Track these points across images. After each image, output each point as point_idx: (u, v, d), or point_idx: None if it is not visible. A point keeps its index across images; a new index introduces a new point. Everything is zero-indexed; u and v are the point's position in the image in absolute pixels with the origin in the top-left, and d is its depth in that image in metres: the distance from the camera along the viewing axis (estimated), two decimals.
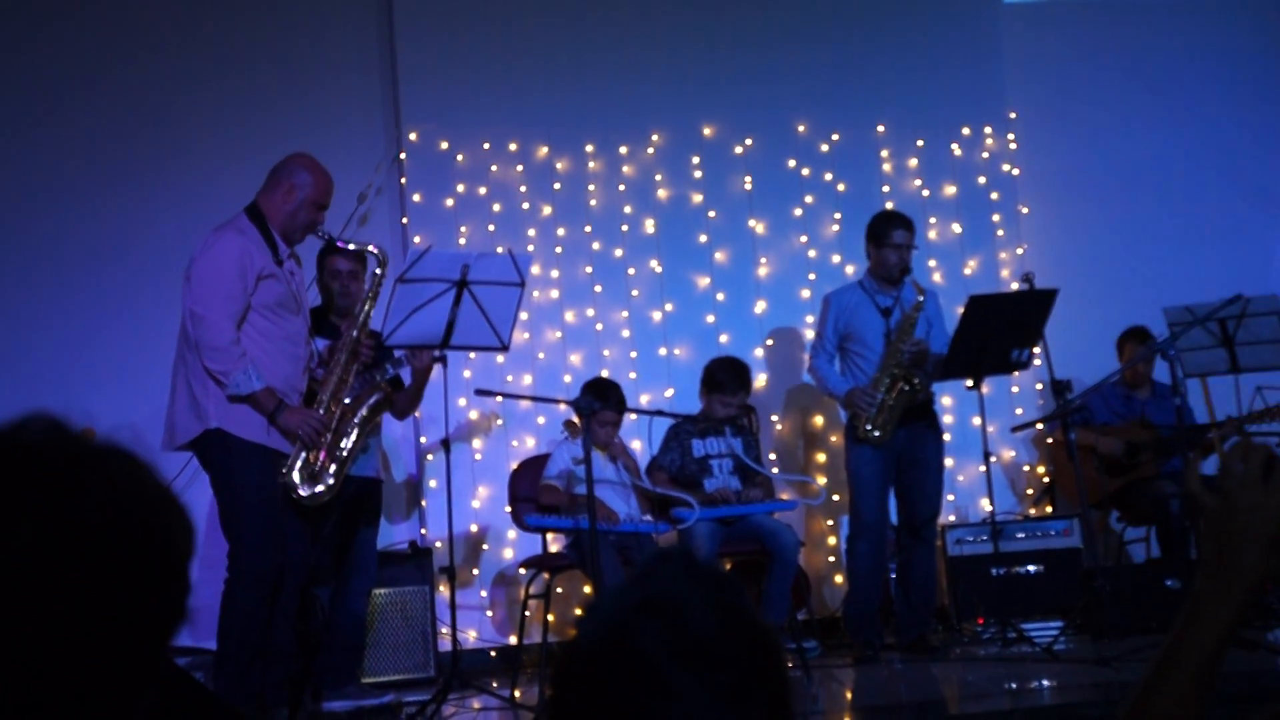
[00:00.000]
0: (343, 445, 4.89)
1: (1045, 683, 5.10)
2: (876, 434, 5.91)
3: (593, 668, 1.06)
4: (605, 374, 6.61)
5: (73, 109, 6.53)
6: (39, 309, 6.41)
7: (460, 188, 6.84)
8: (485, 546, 6.60)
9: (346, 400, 4.95)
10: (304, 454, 4.77)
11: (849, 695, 5.33)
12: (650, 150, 7.12)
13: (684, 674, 1.03)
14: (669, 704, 1.02)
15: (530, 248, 6.80)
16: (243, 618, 4.67)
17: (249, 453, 4.70)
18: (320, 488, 4.79)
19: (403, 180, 6.75)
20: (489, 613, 6.57)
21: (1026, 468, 7.39)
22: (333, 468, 4.83)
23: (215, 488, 4.85)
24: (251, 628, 4.67)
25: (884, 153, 7.40)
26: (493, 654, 6.44)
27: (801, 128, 7.30)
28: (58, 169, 6.48)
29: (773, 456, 6.94)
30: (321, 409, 4.87)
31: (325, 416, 4.85)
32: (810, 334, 6.88)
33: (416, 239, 6.57)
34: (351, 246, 5.21)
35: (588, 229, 6.99)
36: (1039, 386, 7.18)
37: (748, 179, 7.21)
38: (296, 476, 4.75)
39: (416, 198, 6.73)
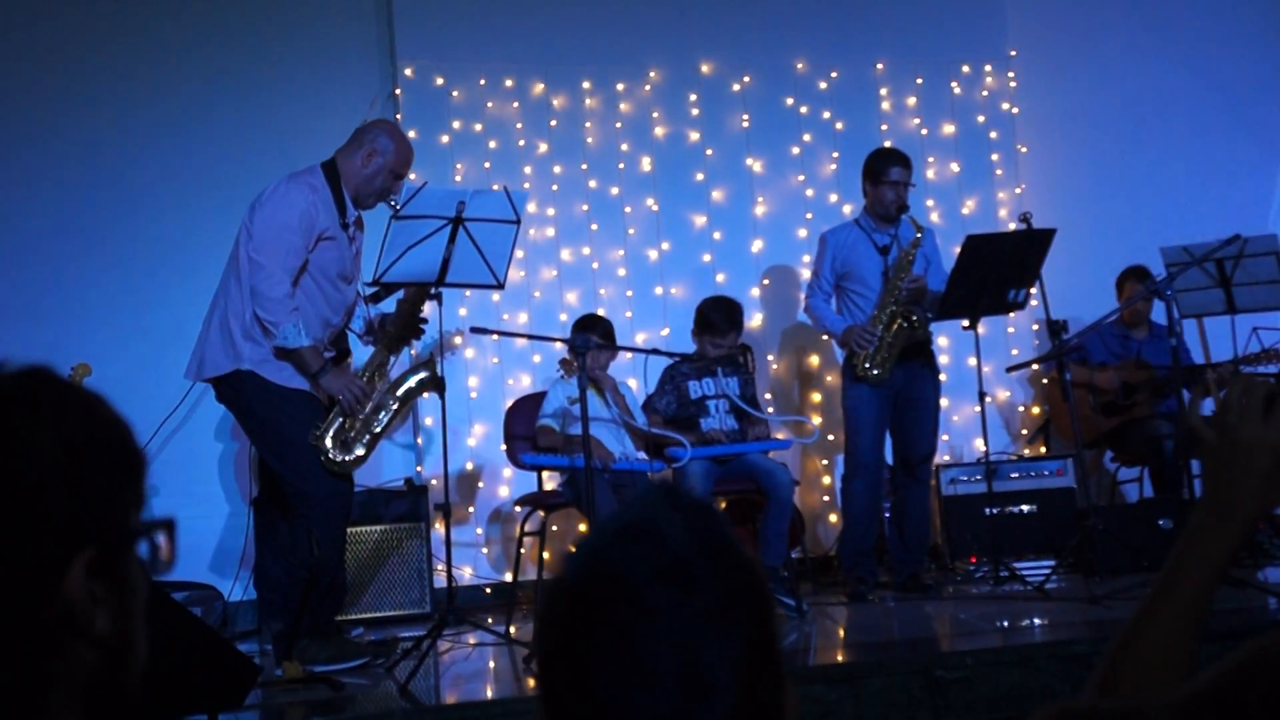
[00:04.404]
0: (379, 417, 4.90)
1: (1037, 620, 5.13)
2: (875, 372, 5.90)
3: (576, 595, 1.08)
4: (601, 313, 6.60)
5: (63, 45, 6.46)
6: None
7: (456, 124, 6.80)
8: (481, 484, 6.62)
9: (390, 374, 4.98)
10: (340, 419, 4.79)
11: (842, 632, 5.37)
12: (647, 87, 7.07)
13: (663, 593, 1.05)
14: (649, 622, 1.04)
15: (526, 185, 6.77)
16: (335, 547, 4.79)
17: (289, 396, 4.75)
18: (350, 456, 4.81)
19: (398, 116, 6.69)
20: (484, 550, 6.60)
21: (1022, 407, 7.41)
22: (366, 438, 4.84)
23: (251, 429, 4.91)
24: (342, 554, 4.87)
25: (883, 91, 7.35)
26: (488, 590, 6.48)
27: (800, 65, 7.25)
28: (50, 104, 6.43)
29: (768, 396, 6.94)
30: (365, 378, 4.88)
31: (368, 385, 4.86)
32: (807, 273, 6.86)
33: (412, 176, 6.51)
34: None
35: (584, 166, 6.96)
36: (1035, 326, 7.19)
37: (745, 117, 7.16)
38: (329, 441, 4.76)
39: (412, 134, 6.62)
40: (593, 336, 5.37)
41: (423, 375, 5.06)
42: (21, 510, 0.98)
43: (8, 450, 0.99)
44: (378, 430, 4.92)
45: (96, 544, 1.00)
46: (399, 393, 5.00)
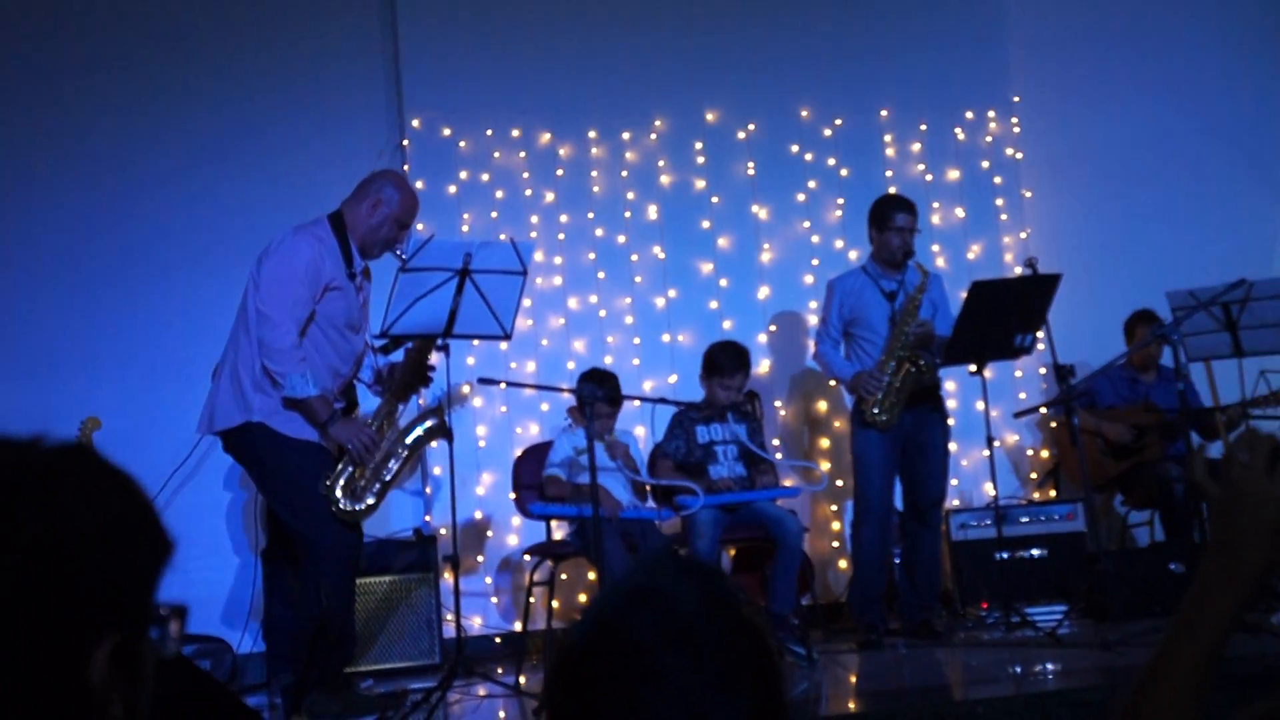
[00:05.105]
0: (389, 466, 4.90)
1: (1050, 666, 5.11)
2: (883, 417, 5.90)
3: (585, 658, 1.10)
4: (608, 361, 6.63)
5: (70, 94, 6.52)
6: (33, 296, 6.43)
7: (463, 174, 6.84)
8: (490, 533, 6.61)
9: (399, 423, 4.99)
10: (350, 469, 4.79)
11: (853, 680, 5.34)
12: (653, 136, 7.11)
13: (672, 658, 1.06)
14: (658, 687, 1.06)
15: (533, 234, 6.81)
16: (344, 598, 4.78)
17: (299, 447, 4.75)
18: (361, 505, 4.81)
19: (405, 167, 6.75)
20: (494, 599, 6.58)
21: (1030, 452, 7.39)
22: (376, 487, 4.84)
23: (261, 480, 4.91)
24: (351, 604, 4.87)
25: (887, 137, 7.39)
26: (498, 640, 6.46)
27: (804, 113, 7.29)
28: (56, 154, 6.48)
29: (776, 442, 6.94)
30: (374, 427, 4.89)
31: (377, 434, 4.87)
32: (814, 319, 6.89)
33: (420, 226, 6.56)
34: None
35: (591, 215, 6.99)
36: (1042, 371, 7.18)
37: (750, 164, 7.20)
38: (339, 491, 4.76)
39: (419, 185, 6.71)
40: (599, 389, 5.37)
41: (430, 423, 5.07)
42: (58, 589, 0.97)
43: (51, 527, 0.98)
44: (388, 479, 4.92)
45: (121, 629, 1.00)
46: (407, 440, 5.01)
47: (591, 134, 7.03)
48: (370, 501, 4.83)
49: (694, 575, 1.12)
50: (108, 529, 1.00)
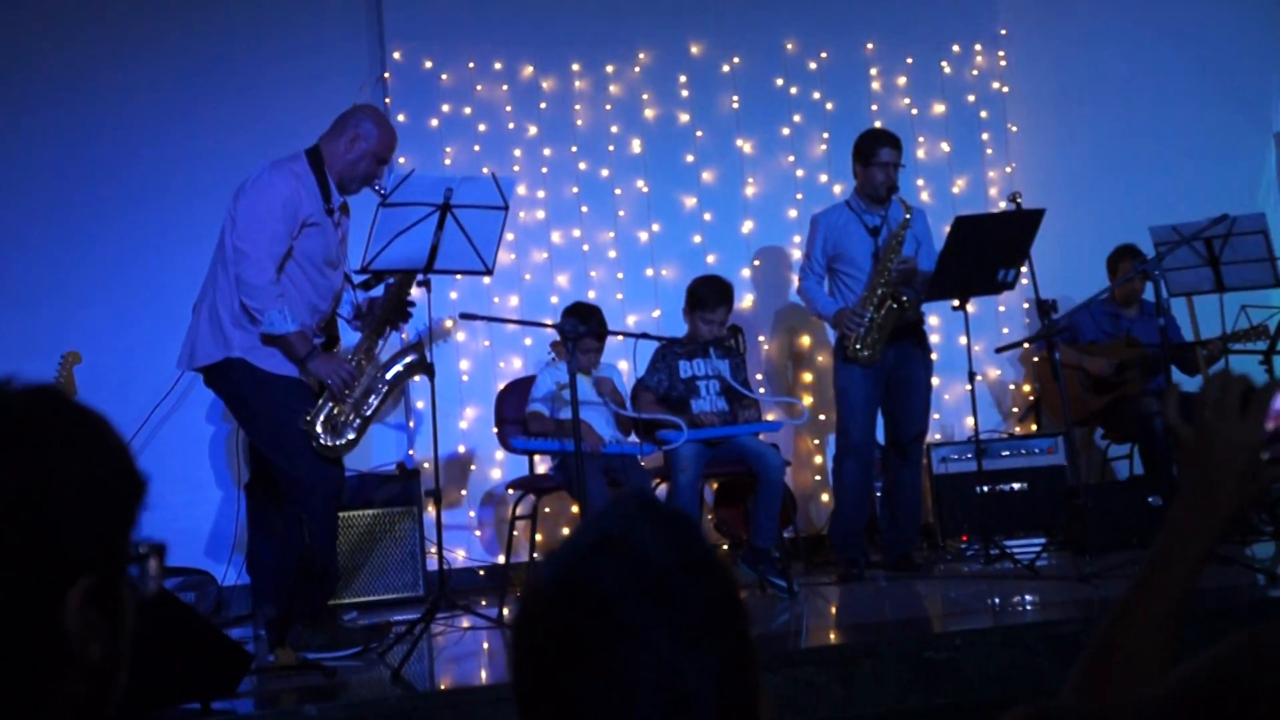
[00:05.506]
0: (369, 401, 4.90)
1: (1028, 599, 5.16)
2: (865, 353, 5.91)
3: (551, 608, 1.07)
4: (592, 295, 6.62)
5: (45, 26, 6.44)
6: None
7: (445, 108, 6.79)
8: (473, 467, 6.63)
9: (379, 358, 4.98)
10: (329, 405, 4.79)
11: (834, 613, 5.39)
12: (637, 69, 7.06)
13: (642, 610, 1.04)
14: (628, 640, 1.03)
15: (516, 168, 6.77)
16: (327, 532, 4.81)
17: (279, 383, 4.75)
18: (341, 441, 4.81)
19: (387, 100, 6.69)
20: (477, 533, 6.62)
21: (1012, 386, 7.42)
22: (356, 422, 4.84)
23: (243, 417, 4.91)
24: (334, 538, 4.92)
25: (873, 71, 7.34)
26: (481, 573, 6.50)
27: (789, 46, 7.23)
28: (32, 88, 6.41)
29: (759, 377, 6.95)
30: (353, 362, 4.88)
31: (356, 369, 4.86)
32: (798, 254, 6.88)
33: (401, 160, 6.51)
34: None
35: (574, 149, 6.95)
36: (1025, 305, 7.19)
37: (735, 98, 7.15)
38: (319, 427, 4.76)
39: (401, 118, 6.67)
40: (581, 324, 5.37)
41: (411, 359, 5.07)
42: (33, 536, 0.97)
43: (24, 474, 0.97)
44: (368, 414, 4.92)
45: (96, 571, 1.00)
46: (388, 376, 5.00)
47: (575, 67, 6.97)
48: (350, 437, 4.83)
49: (663, 523, 1.09)
50: (77, 472, 1.00)
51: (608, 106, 7.00)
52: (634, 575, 1.05)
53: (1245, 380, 1.37)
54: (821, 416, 6.96)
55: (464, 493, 6.60)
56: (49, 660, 0.98)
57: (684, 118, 7.09)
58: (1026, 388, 7.39)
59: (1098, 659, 1.38)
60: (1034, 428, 7.14)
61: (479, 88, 6.83)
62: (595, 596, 1.05)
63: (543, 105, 6.92)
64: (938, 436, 7.00)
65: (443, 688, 4.34)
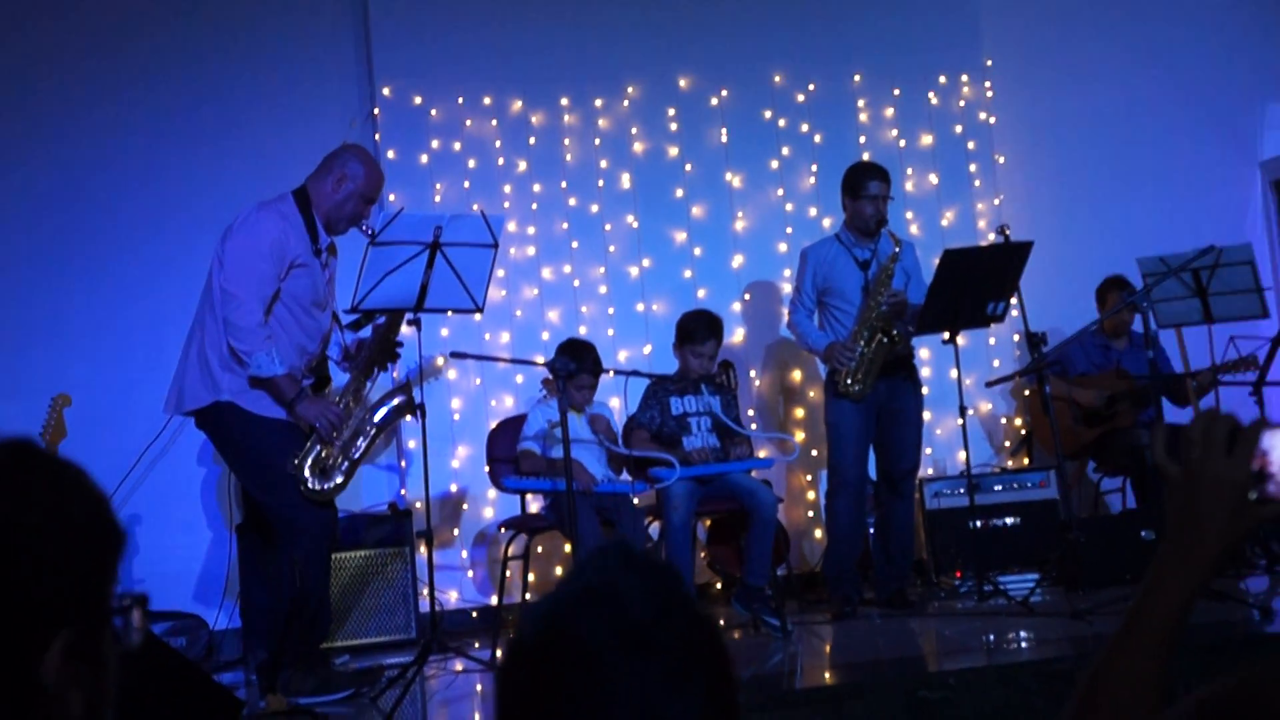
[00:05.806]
0: (358, 443, 4.89)
1: (1022, 635, 5.14)
2: (856, 388, 5.91)
3: (534, 659, 1.09)
4: (583, 331, 6.61)
5: (35, 66, 6.43)
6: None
7: (435, 144, 6.79)
8: (465, 507, 6.61)
9: (368, 399, 4.97)
10: (317, 447, 4.77)
11: (828, 651, 5.37)
12: (625, 103, 7.07)
13: (623, 660, 1.06)
14: (609, 691, 1.05)
15: (506, 204, 6.77)
16: (320, 575, 4.80)
17: (269, 425, 4.73)
18: (329, 484, 4.79)
19: (376, 137, 6.69)
20: (469, 573, 6.59)
21: (1004, 420, 7.42)
22: (344, 465, 4.83)
23: (232, 460, 4.91)
24: (327, 581, 4.90)
25: (860, 102, 7.36)
26: (474, 614, 6.47)
27: (777, 78, 7.25)
28: (22, 128, 6.40)
29: (751, 412, 6.94)
30: (341, 404, 4.87)
31: (344, 411, 4.85)
32: (788, 288, 6.88)
33: (391, 196, 6.52)
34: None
35: (564, 184, 6.95)
36: (1015, 338, 7.20)
37: (724, 131, 7.16)
38: (307, 470, 4.75)
39: (391, 154, 6.68)
40: (572, 362, 5.36)
41: (399, 400, 5.05)
42: (10, 590, 0.96)
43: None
44: (356, 457, 4.91)
45: (76, 624, 0.99)
46: (375, 419, 4.99)
47: (564, 101, 6.98)
48: (339, 480, 4.81)
49: (644, 573, 1.11)
50: (54, 527, 1.00)
51: (597, 141, 7.01)
52: (615, 626, 1.07)
53: (1231, 419, 1.37)
54: (814, 452, 6.95)
55: (456, 532, 6.58)
56: (31, 714, 0.97)
57: (673, 151, 7.10)
58: (1018, 421, 7.39)
59: (1089, 696, 1.39)
60: (1026, 461, 7.14)
61: (468, 123, 6.84)
62: (577, 647, 1.07)
63: (532, 140, 6.92)
64: (930, 471, 7.00)
65: None
